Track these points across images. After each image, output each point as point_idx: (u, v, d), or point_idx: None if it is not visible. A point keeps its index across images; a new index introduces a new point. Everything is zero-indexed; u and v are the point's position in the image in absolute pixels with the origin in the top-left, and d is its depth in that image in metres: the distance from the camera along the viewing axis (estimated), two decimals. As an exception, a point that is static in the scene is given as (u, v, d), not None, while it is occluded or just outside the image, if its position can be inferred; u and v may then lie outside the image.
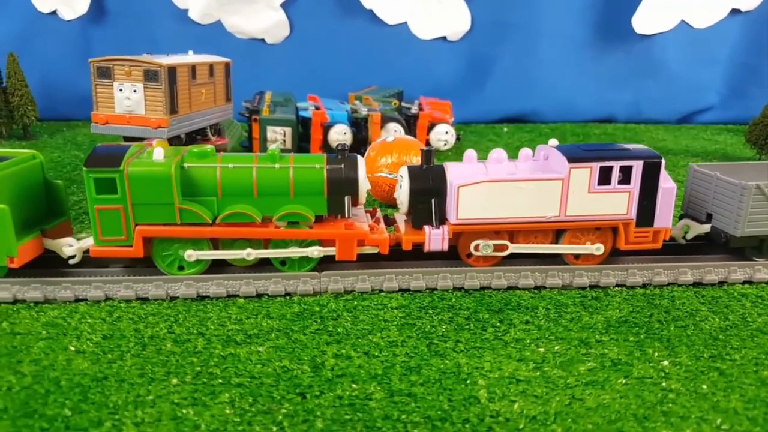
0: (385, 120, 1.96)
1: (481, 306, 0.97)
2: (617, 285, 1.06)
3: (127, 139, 1.34)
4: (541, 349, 0.85)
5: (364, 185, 1.00)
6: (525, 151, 1.07)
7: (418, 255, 1.05)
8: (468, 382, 0.77)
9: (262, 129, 1.94)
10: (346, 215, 1.00)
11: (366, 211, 1.10)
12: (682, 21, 2.66)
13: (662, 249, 1.07)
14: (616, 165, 1.01)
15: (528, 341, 0.87)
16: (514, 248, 1.03)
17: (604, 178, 1.01)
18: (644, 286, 1.07)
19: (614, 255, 1.09)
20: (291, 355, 0.82)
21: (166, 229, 0.95)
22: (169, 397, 0.72)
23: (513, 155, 2.23)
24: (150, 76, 1.19)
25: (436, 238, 1.01)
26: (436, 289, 1.02)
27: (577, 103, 2.72)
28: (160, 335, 0.86)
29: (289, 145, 1.97)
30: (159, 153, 0.95)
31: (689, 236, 1.15)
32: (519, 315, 0.94)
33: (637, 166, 1.01)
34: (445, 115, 2.11)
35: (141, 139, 1.36)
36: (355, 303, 0.97)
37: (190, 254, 0.97)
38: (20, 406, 0.70)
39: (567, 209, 1.01)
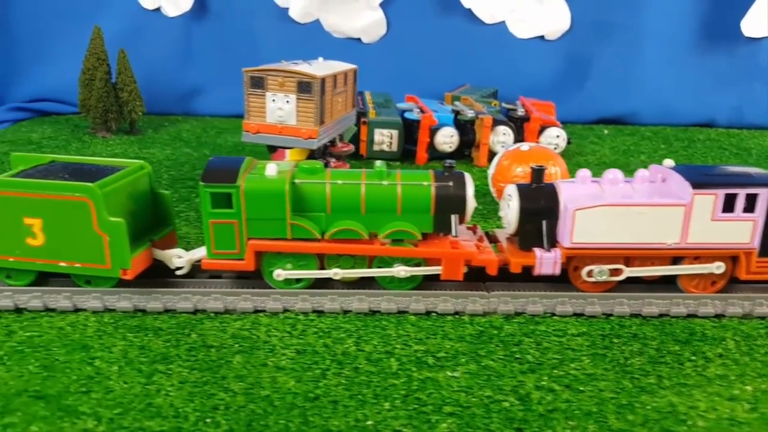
0: (493, 123, 1.92)
1: (665, 336, 0.93)
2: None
3: (269, 148, 1.34)
4: (749, 387, 0.80)
5: (471, 203, 0.98)
6: (641, 173, 1.02)
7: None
8: (689, 423, 0.73)
9: (370, 131, 1.93)
10: (453, 234, 0.98)
11: (467, 228, 1.07)
12: (792, 23, 2.52)
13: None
14: (742, 192, 0.96)
15: (732, 378, 0.82)
16: (629, 272, 0.99)
17: (729, 205, 0.96)
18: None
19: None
20: (489, 383, 0.80)
21: (277, 243, 0.96)
22: (389, 424, 0.71)
23: (618, 158, 2.16)
24: (303, 87, 1.18)
25: (547, 262, 0.97)
26: (611, 315, 0.99)
27: (676, 105, 2.62)
28: (350, 352, 0.85)
29: (395, 148, 1.96)
30: (272, 169, 0.95)
31: None
32: (709, 347, 0.90)
33: (763, 194, 0.96)
34: (551, 117, 2.06)
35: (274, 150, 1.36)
36: (531, 327, 0.94)
37: (279, 274, 0.97)
38: (245, 428, 0.70)
39: (688, 236, 0.97)
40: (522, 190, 1.00)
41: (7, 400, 0.74)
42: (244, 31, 2.42)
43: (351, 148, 1.56)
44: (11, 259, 0.95)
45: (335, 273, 0.98)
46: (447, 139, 1.92)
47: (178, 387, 0.77)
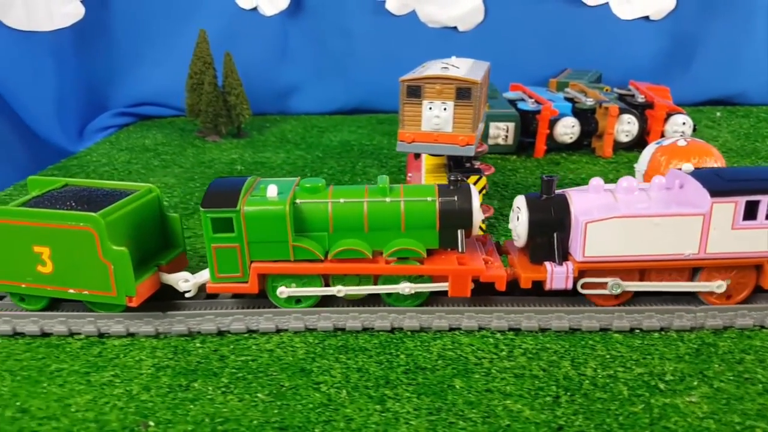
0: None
1: None
2: None
3: (414, 154, 1.32)
4: None
5: (478, 217, 0.94)
6: (657, 179, 0.96)
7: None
8: None
9: (486, 125, 1.89)
10: (460, 249, 0.95)
11: (477, 239, 1.03)
12: None
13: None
14: (764, 199, 0.89)
15: None
16: (628, 286, 0.94)
17: (750, 213, 0.90)
18: None
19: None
20: (730, 408, 0.77)
21: (280, 266, 0.95)
22: (649, 458, 0.69)
23: (743, 144, 2.02)
24: (462, 93, 1.14)
25: (559, 277, 0.93)
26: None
27: (791, 83, 2.47)
28: (572, 377, 0.83)
29: (510, 141, 1.91)
30: (272, 190, 0.94)
31: None
32: None
33: None
34: (670, 103, 1.96)
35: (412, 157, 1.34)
36: (746, 342, 0.90)
37: (282, 291, 0.96)
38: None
39: (707, 246, 0.91)
40: (531, 201, 0.95)
41: None
42: (339, 27, 2.40)
43: (486, 148, 1.52)
44: (23, 285, 0.96)
45: (339, 290, 0.96)
46: (568, 129, 1.86)
47: (414, 414, 0.77)
